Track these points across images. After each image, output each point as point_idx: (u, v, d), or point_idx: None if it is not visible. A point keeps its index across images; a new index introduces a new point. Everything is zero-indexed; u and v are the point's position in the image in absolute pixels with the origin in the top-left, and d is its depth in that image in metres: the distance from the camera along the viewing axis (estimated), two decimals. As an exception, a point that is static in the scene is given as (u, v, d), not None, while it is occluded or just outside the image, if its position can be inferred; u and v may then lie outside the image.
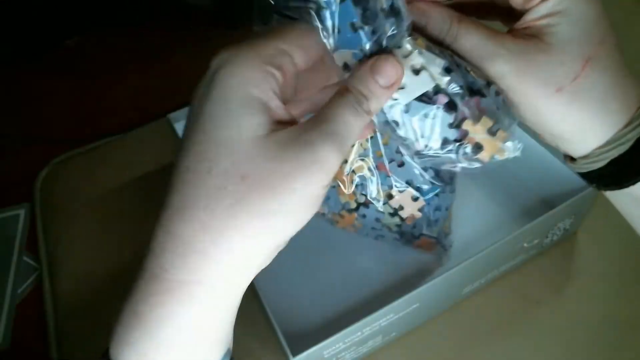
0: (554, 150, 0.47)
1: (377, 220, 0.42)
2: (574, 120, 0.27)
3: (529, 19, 0.27)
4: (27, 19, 0.73)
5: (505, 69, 0.26)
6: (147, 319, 0.23)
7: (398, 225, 0.42)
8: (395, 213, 0.41)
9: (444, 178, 0.41)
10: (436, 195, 0.41)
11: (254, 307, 0.45)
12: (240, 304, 0.49)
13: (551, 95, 0.26)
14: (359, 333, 0.37)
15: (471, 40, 0.27)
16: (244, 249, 0.23)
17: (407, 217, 0.41)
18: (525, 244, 0.43)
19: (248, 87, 0.23)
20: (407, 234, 0.42)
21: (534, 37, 0.26)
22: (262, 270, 0.45)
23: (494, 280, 0.45)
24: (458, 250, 0.44)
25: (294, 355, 0.35)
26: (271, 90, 0.24)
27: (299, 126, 0.24)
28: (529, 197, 0.50)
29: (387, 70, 0.25)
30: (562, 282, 0.46)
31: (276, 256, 0.42)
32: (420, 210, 0.41)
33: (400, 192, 0.40)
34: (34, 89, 0.70)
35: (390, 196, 0.41)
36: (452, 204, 0.43)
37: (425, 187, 0.40)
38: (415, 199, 0.41)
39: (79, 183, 0.58)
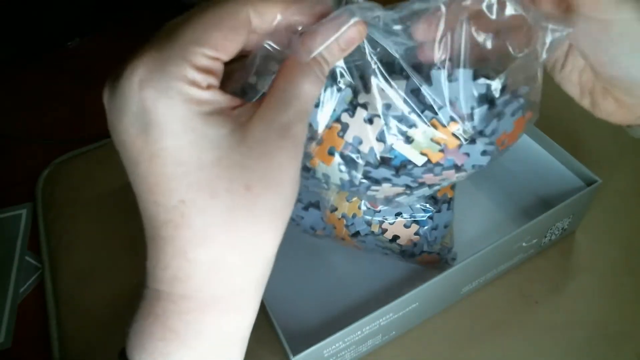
0: (553, 150, 0.47)
1: (377, 245, 0.42)
2: None
3: None
4: (29, 20, 0.73)
5: None
6: (185, 333, 0.24)
7: (399, 246, 0.42)
8: (393, 240, 0.41)
9: (436, 199, 0.41)
10: (430, 218, 0.41)
11: (254, 306, 0.45)
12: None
13: None
14: (359, 332, 0.38)
15: None
16: (266, 247, 0.24)
17: (405, 243, 0.42)
18: (524, 244, 0.43)
19: (200, 108, 0.22)
20: (409, 252, 0.42)
21: None
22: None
23: (492, 280, 0.45)
24: (457, 250, 0.44)
25: (294, 354, 0.35)
26: (218, 97, 0.23)
27: (265, 110, 0.23)
28: (528, 196, 0.50)
29: (355, 37, 0.25)
30: (561, 282, 0.46)
31: (276, 256, 0.42)
32: (416, 234, 0.41)
33: (391, 224, 0.41)
34: (35, 90, 0.71)
35: (384, 230, 0.41)
36: (452, 221, 0.43)
37: (416, 213, 0.41)
38: (409, 226, 0.41)
39: (80, 183, 0.58)
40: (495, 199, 0.51)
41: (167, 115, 0.21)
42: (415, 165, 0.31)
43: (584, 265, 0.47)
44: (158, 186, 0.22)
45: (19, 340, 0.46)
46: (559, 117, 0.57)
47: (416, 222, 0.40)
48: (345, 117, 0.30)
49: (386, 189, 0.33)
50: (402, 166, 0.31)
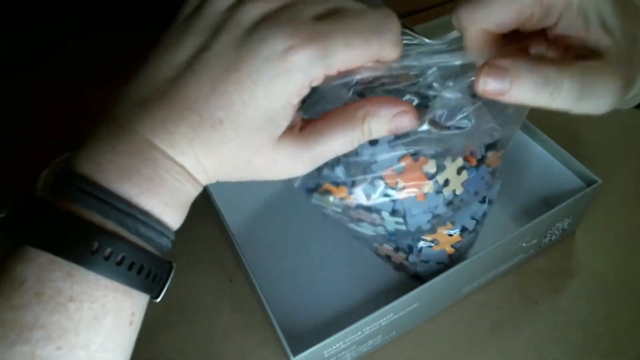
0: (553, 150, 0.47)
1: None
2: None
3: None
4: (28, 22, 0.73)
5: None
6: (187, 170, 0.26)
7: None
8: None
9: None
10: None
11: (254, 307, 0.45)
12: (241, 303, 0.49)
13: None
14: (359, 332, 0.38)
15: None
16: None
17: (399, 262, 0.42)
18: (524, 244, 0.43)
19: (293, 99, 0.24)
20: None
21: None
22: (262, 269, 0.45)
23: (493, 280, 0.45)
24: (457, 250, 0.44)
25: (294, 355, 0.35)
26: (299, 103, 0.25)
27: (299, 135, 0.26)
28: (528, 197, 0.50)
29: (406, 125, 0.27)
30: (561, 282, 0.46)
31: (276, 256, 0.42)
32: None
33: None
34: (35, 91, 0.71)
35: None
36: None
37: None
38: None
39: (80, 183, 0.58)
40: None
41: (277, 73, 0.24)
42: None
43: (584, 265, 0.47)
44: (232, 103, 0.24)
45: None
46: (559, 118, 0.57)
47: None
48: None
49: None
50: None
